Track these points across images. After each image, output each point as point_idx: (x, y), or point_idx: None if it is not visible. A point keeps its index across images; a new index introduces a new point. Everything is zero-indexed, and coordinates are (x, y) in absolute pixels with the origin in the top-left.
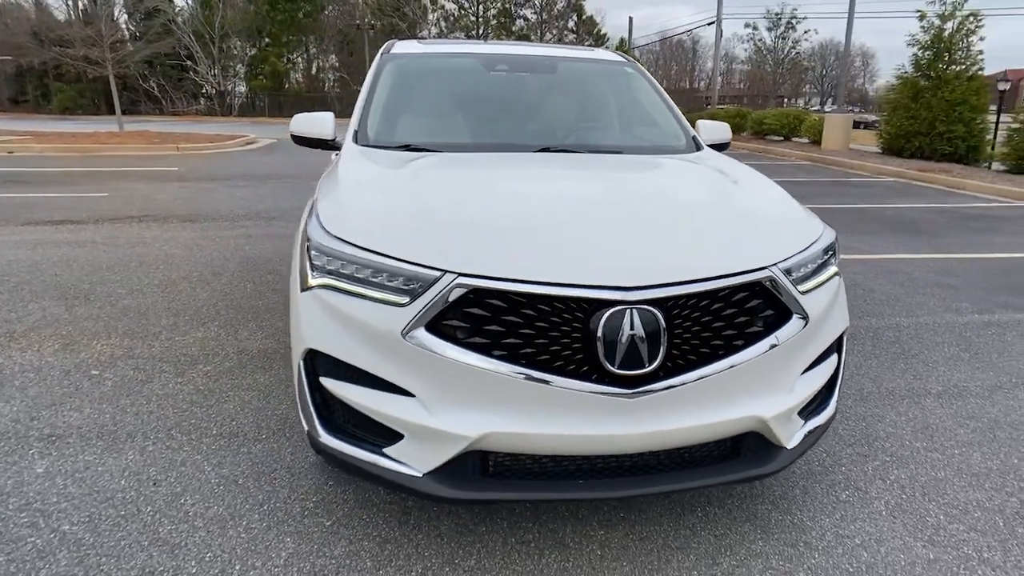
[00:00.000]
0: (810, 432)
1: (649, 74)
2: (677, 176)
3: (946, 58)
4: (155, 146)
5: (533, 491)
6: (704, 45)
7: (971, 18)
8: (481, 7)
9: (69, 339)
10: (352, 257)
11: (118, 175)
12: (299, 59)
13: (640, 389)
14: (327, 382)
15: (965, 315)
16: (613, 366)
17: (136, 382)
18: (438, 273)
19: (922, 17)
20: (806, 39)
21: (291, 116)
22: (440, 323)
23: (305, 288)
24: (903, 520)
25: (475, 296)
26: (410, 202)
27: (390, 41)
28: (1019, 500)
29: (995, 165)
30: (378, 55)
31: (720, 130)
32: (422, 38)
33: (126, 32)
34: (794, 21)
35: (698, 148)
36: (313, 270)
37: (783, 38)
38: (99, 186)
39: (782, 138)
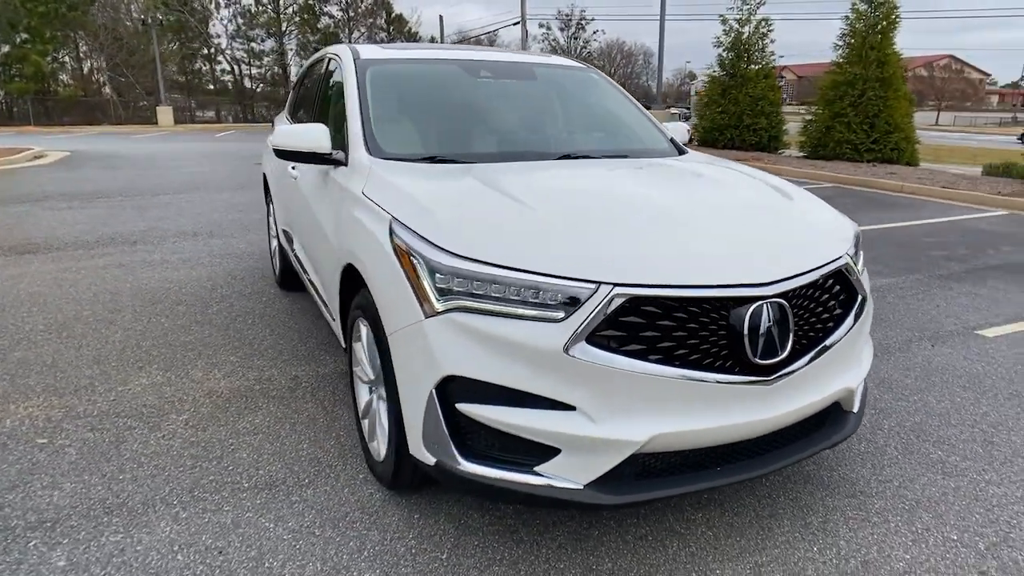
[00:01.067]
0: (861, 398)
1: (611, 79)
2: (726, 178)
3: (746, 58)
4: None
5: (683, 485)
6: (500, 45)
7: (764, 23)
8: (280, 2)
9: None
10: (488, 276)
11: None
12: (67, 59)
13: (778, 375)
14: (466, 407)
15: None
16: (755, 357)
17: (106, 444)
18: (593, 286)
19: (724, 21)
20: (595, 39)
21: (63, 123)
22: (597, 334)
23: (432, 314)
24: (916, 460)
25: (630, 304)
26: (515, 215)
27: (352, 46)
28: (981, 429)
29: (788, 152)
30: (350, 60)
31: (681, 131)
32: (382, 41)
33: None
34: (584, 22)
35: (680, 151)
36: (441, 295)
37: (575, 38)
38: None
39: None
